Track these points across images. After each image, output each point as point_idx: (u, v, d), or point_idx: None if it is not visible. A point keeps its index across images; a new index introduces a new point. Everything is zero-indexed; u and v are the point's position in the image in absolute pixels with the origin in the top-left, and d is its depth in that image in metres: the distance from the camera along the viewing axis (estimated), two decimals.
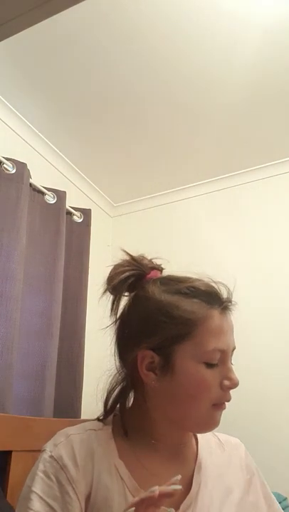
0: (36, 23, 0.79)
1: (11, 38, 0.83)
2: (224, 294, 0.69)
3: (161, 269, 0.75)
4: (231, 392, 0.67)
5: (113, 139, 1.80)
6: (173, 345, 0.65)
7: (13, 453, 1.03)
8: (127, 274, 0.70)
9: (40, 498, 0.60)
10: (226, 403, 0.67)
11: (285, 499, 1.31)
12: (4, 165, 1.44)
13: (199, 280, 0.70)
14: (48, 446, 0.66)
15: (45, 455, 0.64)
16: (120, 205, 2.29)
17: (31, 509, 0.59)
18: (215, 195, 2.04)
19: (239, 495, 0.68)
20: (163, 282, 0.69)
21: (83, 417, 1.46)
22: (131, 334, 0.69)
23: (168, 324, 0.65)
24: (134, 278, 0.71)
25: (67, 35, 1.34)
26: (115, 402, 0.71)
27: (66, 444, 0.65)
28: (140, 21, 1.29)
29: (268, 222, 1.87)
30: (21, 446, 1.05)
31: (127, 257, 0.72)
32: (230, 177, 2.01)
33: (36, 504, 0.59)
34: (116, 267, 0.72)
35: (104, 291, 0.71)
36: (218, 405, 0.65)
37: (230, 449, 0.75)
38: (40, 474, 0.62)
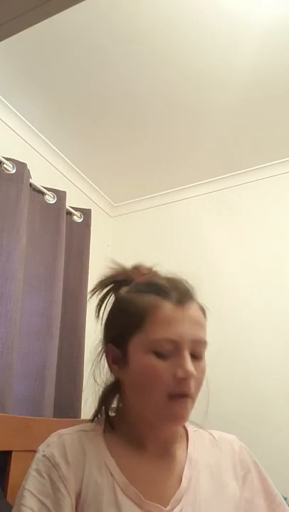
0: (36, 23, 0.79)
1: (11, 38, 0.83)
2: (181, 287, 0.69)
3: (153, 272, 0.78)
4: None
5: (113, 139, 1.80)
6: (127, 336, 0.67)
7: (13, 453, 1.03)
8: (109, 280, 0.76)
9: (33, 495, 0.61)
10: (194, 399, 0.65)
11: (286, 499, 1.31)
12: (4, 165, 1.44)
13: (159, 277, 0.73)
14: (42, 447, 0.68)
15: (39, 454, 0.67)
16: (120, 205, 2.29)
17: (24, 505, 0.60)
18: (215, 195, 2.04)
19: (233, 491, 0.68)
20: (133, 284, 0.74)
21: (83, 417, 1.46)
22: (102, 332, 0.75)
23: (121, 317, 0.70)
24: (113, 285, 0.76)
25: (67, 35, 1.34)
26: (102, 401, 0.73)
27: (58, 443, 0.67)
28: (140, 21, 1.29)
29: (268, 222, 1.87)
30: (21, 446, 1.05)
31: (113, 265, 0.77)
32: (230, 177, 2.01)
33: (29, 501, 0.61)
34: (104, 275, 0.77)
35: (93, 294, 0.78)
36: (176, 397, 0.63)
37: (224, 445, 0.74)
38: (33, 473, 0.64)
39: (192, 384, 0.63)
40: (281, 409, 1.57)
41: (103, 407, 0.73)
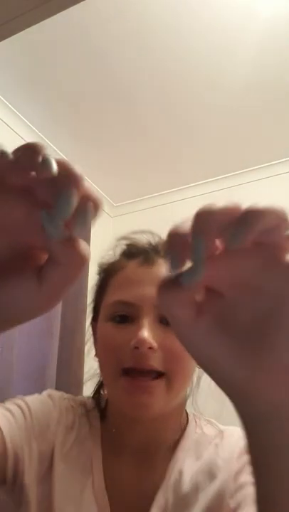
0: (36, 23, 0.79)
1: (11, 38, 0.83)
2: (152, 245, 0.59)
3: None
4: None
5: (113, 139, 1.80)
6: (98, 307, 0.59)
7: None
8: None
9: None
10: (167, 378, 0.51)
11: None
12: None
13: (134, 238, 0.63)
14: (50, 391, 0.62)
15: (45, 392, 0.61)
16: (120, 205, 2.29)
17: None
18: (215, 195, 2.04)
19: (219, 502, 0.50)
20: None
21: None
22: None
23: (95, 288, 0.62)
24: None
25: (67, 35, 1.34)
26: (96, 390, 0.65)
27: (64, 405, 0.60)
28: (139, 22, 1.29)
29: None
30: None
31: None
32: (230, 177, 2.01)
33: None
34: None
35: None
36: (130, 377, 0.50)
37: (225, 449, 0.55)
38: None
39: (156, 356, 0.49)
40: None
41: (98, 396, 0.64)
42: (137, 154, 1.90)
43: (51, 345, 1.41)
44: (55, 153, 1.86)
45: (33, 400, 0.59)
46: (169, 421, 0.57)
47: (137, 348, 0.49)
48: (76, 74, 1.49)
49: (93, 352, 0.62)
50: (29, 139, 1.74)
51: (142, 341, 0.48)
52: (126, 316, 0.53)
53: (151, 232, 0.61)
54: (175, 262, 0.26)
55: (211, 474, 0.52)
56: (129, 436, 0.56)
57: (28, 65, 1.45)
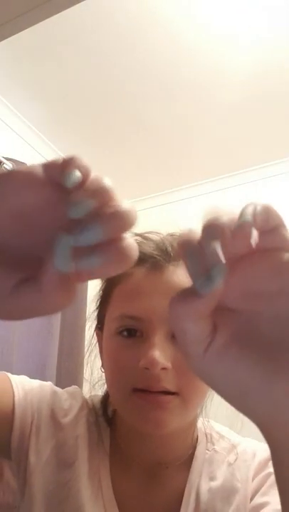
0: (36, 23, 0.79)
1: (11, 38, 0.83)
2: (162, 248, 0.51)
3: None
4: None
5: (113, 139, 1.80)
6: (103, 316, 0.54)
7: None
8: None
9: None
10: (182, 398, 0.46)
11: None
12: (4, 165, 1.44)
13: (138, 240, 0.55)
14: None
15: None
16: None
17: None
18: (215, 195, 2.04)
19: None
20: None
21: None
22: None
23: (99, 295, 0.56)
24: None
25: (67, 35, 1.34)
26: (102, 402, 0.60)
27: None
28: (140, 21, 1.29)
29: None
30: None
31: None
32: (230, 177, 2.01)
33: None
34: None
35: None
36: (142, 392, 0.45)
37: (239, 465, 0.52)
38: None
39: (169, 376, 0.45)
40: None
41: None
42: (136, 155, 1.90)
43: (51, 345, 1.41)
44: (55, 153, 1.86)
45: (59, 389, 0.58)
46: (181, 437, 0.53)
47: (147, 368, 0.44)
48: (76, 74, 1.49)
49: (93, 353, 0.60)
50: (29, 139, 1.74)
51: (154, 362, 0.43)
52: (134, 330, 0.47)
53: (157, 233, 0.54)
54: (196, 267, 0.24)
55: (228, 499, 0.49)
56: (139, 451, 0.52)
57: (29, 65, 1.45)
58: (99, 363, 0.57)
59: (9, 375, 0.55)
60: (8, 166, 1.45)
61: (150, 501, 0.50)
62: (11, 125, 1.66)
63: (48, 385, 0.57)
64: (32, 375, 1.44)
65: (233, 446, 0.54)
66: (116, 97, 1.58)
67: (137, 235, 0.54)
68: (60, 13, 0.80)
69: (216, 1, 1.23)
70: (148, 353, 0.44)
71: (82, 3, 0.79)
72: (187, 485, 0.50)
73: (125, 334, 0.47)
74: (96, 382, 0.62)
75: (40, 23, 0.81)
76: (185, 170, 2.00)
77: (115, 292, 0.50)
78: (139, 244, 0.52)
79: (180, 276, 0.47)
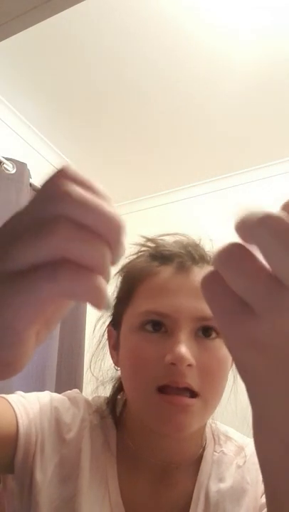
0: (36, 23, 0.79)
1: (10, 38, 0.83)
2: (188, 249, 0.53)
3: None
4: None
5: (113, 139, 1.80)
6: (121, 313, 0.53)
7: None
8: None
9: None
10: (202, 398, 0.47)
11: None
12: (4, 165, 1.44)
13: (163, 240, 0.57)
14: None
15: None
16: (120, 205, 2.28)
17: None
18: (215, 195, 2.04)
19: None
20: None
21: None
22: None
23: (118, 289, 0.55)
24: None
25: (67, 35, 1.34)
26: (110, 401, 0.59)
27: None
28: (140, 22, 1.29)
29: None
30: None
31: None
32: (231, 177, 2.01)
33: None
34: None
35: None
36: (166, 392, 0.46)
37: (248, 468, 0.53)
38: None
39: (192, 374, 0.45)
40: None
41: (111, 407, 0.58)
42: (136, 154, 1.90)
43: (51, 345, 1.41)
44: (55, 153, 1.86)
45: (59, 398, 0.56)
46: (193, 438, 0.53)
47: (173, 364, 0.44)
48: (76, 74, 1.49)
49: (103, 350, 0.59)
50: (29, 139, 1.74)
51: (181, 358, 0.44)
52: (159, 325, 0.47)
53: (183, 234, 0.56)
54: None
55: (238, 501, 0.49)
56: (150, 451, 0.52)
57: (29, 65, 1.45)
58: (108, 361, 0.56)
59: (6, 396, 0.53)
60: (8, 165, 1.45)
61: (158, 502, 0.50)
62: (11, 125, 1.66)
63: (48, 401, 0.54)
64: (32, 375, 1.45)
65: (241, 448, 0.54)
66: (116, 98, 1.58)
67: (163, 234, 0.56)
68: (60, 13, 0.80)
69: (217, 3, 1.23)
70: (175, 348, 0.44)
71: (82, 3, 0.79)
72: (196, 486, 0.50)
73: (150, 329, 0.47)
74: (106, 381, 0.61)
75: (41, 23, 0.81)
76: (185, 170, 2.00)
77: (140, 289, 0.50)
78: (166, 243, 0.54)
79: None
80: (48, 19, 0.80)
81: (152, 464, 0.52)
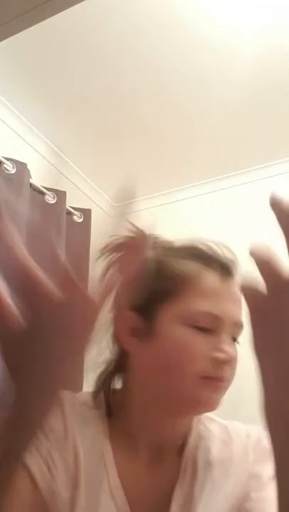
0: (36, 23, 0.79)
1: (11, 38, 0.83)
2: (226, 257, 0.59)
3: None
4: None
5: (113, 139, 1.80)
6: (157, 304, 0.56)
7: None
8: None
9: None
10: (227, 386, 0.55)
11: None
12: (4, 165, 1.44)
13: (199, 242, 0.62)
14: None
15: None
16: (120, 205, 2.29)
17: None
18: (215, 195, 2.04)
19: (232, 507, 0.54)
20: (163, 246, 0.64)
21: None
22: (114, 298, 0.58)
23: (154, 280, 0.57)
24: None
25: (67, 35, 1.34)
26: (101, 384, 0.62)
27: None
28: (140, 22, 1.29)
29: (268, 222, 1.87)
30: None
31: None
32: (231, 177, 2.01)
33: None
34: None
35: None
36: (209, 380, 0.53)
37: (236, 446, 0.59)
38: None
39: (229, 368, 0.54)
40: None
41: (101, 387, 0.62)
42: (137, 154, 1.90)
43: None
44: (55, 153, 1.86)
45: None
46: (184, 419, 0.60)
47: (223, 361, 0.53)
48: (76, 74, 1.49)
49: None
50: (29, 139, 1.74)
51: (231, 356, 0.54)
52: (209, 325, 0.55)
53: (224, 245, 0.61)
54: None
55: (226, 471, 0.56)
56: (148, 433, 0.57)
57: (29, 65, 1.45)
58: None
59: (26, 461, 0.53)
60: (8, 165, 1.45)
61: (154, 479, 0.55)
62: (11, 125, 1.66)
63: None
64: None
65: (224, 427, 0.62)
66: (116, 98, 1.58)
67: (207, 240, 0.62)
68: (60, 13, 0.80)
69: (217, 2, 1.23)
70: (224, 347, 0.53)
71: (82, 3, 0.79)
72: (183, 456, 0.57)
73: (203, 326, 0.54)
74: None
75: (40, 23, 0.81)
76: (185, 170, 2.00)
77: (190, 288, 0.55)
78: (213, 248, 0.60)
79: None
80: (48, 19, 0.80)
81: (148, 444, 0.57)
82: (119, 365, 0.61)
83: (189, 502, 0.53)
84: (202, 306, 0.54)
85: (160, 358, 0.55)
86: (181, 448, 0.59)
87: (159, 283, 0.57)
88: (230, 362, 0.54)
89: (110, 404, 0.59)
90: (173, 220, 2.10)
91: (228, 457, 0.57)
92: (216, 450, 0.58)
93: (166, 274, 0.57)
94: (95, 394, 0.61)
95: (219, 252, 0.60)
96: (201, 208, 2.05)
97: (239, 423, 0.63)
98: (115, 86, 1.53)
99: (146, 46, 1.37)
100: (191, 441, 0.59)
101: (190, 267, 0.57)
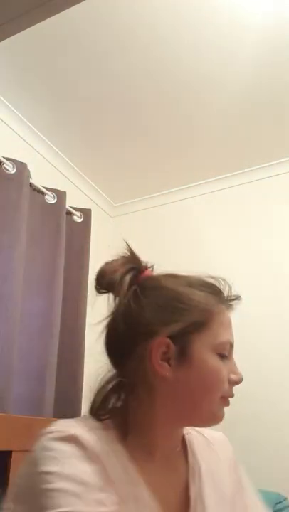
0: (36, 23, 0.79)
1: (11, 38, 0.83)
2: (229, 292, 0.70)
3: (153, 271, 0.73)
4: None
5: (113, 139, 1.80)
6: (191, 333, 0.64)
7: (13, 453, 1.03)
8: (128, 266, 0.68)
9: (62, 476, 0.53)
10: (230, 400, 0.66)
11: (286, 499, 1.32)
12: (4, 165, 1.44)
13: (204, 276, 0.71)
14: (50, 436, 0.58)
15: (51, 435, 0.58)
16: (120, 205, 2.29)
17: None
18: (215, 195, 2.04)
19: (232, 498, 0.67)
20: (169, 276, 0.70)
21: None
22: (142, 324, 0.65)
23: (188, 311, 0.65)
24: (133, 272, 0.69)
25: (67, 35, 1.34)
26: (104, 401, 0.65)
27: (75, 441, 0.58)
28: (140, 23, 1.29)
29: (269, 221, 1.87)
30: (21, 446, 1.05)
31: (124, 251, 0.71)
32: (230, 177, 2.01)
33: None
34: (111, 262, 0.70)
35: (99, 290, 0.69)
36: (225, 399, 0.65)
37: (219, 448, 0.73)
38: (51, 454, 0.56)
39: None
40: (280, 409, 1.57)
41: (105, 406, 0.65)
42: (136, 154, 1.90)
43: (51, 345, 1.41)
44: (55, 153, 1.86)
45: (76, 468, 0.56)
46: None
47: (237, 382, 0.65)
48: (76, 74, 1.49)
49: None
50: (30, 139, 1.74)
51: (241, 376, 0.66)
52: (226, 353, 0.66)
53: (223, 279, 0.72)
54: None
55: (220, 470, 0.69)
56: (161, 442, 0.66)
57: (29, 66, 1.45)
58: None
59: None
60: (8, 165, 1.45)
61: (170, 482, 0.65)
62: (11, 125, 1.66)
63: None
64: (32, 375, 1.45)
65: (199, 432, 0.74)
66: (116, 98, 1.58)
67: (213, 276, 0.71)
68: (60, 14, 0.80)
69: (216, 2, 1.23)
70: (238, 371, 0.66)
71: (82, 3, 0.79)
72: (189, 460, 0.68)
73: (225, 354, 0.65)
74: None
75: (40, 23, 0.81)
76: (184, 170, 2.00)
77: (215, 321, 0.66)
78: (222, 283, 0.70)
79: None
80: (48, 19, 0.80)
81: (162, 451, 0.65)
82: (120, 386, 0.66)
83: (200, 496, 0.64)
84: (225, 336, 0.65)
85: (195, 381, 0.64)
86: (183, 450, 0.69)
87: (194, 314, 0.65)
88: (241, 381, 0.66)
89: (127, 421, 0.65)
90: (173, 220, 2.11)
91: (217, 461, 0.70)
92: (206, 458, 0.70)
93: (197, 308, 0.65)
94: (105, 414, 0.65)
95: (224, 286, 0.71)
96: (201, 208, 2.05)
97: (205, 429, 0.76)
98: (115, 86, 1.53)
99: (147, 47, 1.37)
100: (187, 445, 0.71)
101: (213, 302, 0.67)
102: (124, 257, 0.71)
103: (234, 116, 1.66)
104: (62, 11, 0.78)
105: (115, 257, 0.71)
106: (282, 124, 1.70)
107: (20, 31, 0.81)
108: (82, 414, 1.51)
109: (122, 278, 0.67)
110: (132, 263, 0.70)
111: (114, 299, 0.68)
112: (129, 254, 0.71)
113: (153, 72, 1.48)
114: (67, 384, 1.48)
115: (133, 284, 0.68)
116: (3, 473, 1.02)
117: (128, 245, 0.71)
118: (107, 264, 0.70)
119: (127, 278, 0.68)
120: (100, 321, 0.69)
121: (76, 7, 0.81)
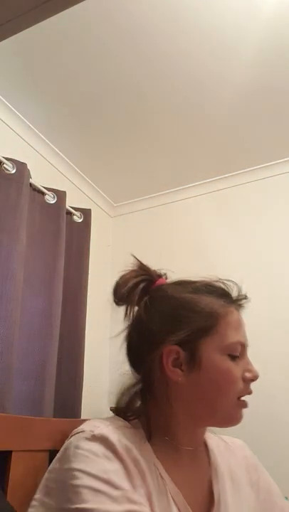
0: (36, 23, 0.79)
1: (11, 38, 0.83)
2: (237, 292, 0.73)
3: (166, 278, 0.77)
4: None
5: (113, 139, 1.80)
6: (198, 338, 0.66)
7: (13, 453, 1.03)
8: (139, 279, 0.72)
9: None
10: (248, 401, 0.68)
11: (286, 498, 1.31)
12: (4, 165, 1.44)
13: (212, 280, 0.73)
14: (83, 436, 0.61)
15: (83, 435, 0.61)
16: (120, 205, 2.29)
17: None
18: (215, 195, 2.04)
19: (249, 497, 0.69)
20: (177, 283, 0.73)
21: (83, 417, 1.46)
22: (152, 333, 0.68)
23: (193, 318, 0.67)
24: (144, 283, 0.73)
25: (68, 35, 1.34)
26: (129, 403, 0.69)
27: (104, 440, 0.61)
28: (141, 21, 1.29)
29: (269, 222, 1.87)
30: (21, 446, 1.05)
31: (134, 263, 0.75)
32: (231, 177, 2.01)
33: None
34: (124, 275, 0.73)
35: (117, 302, 0.73)
36: (242, 401, 0.67)
37: (237, 451, 0.76)
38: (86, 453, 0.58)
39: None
40: (286, 409, 1.56)
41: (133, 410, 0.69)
42: (136, 154, 1.90)
43: (51, 345, 1.41)
44: (55, 153, 1.86)
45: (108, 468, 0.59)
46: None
47: (253, 380, 0.67)
48: (76, 74, 1.49)
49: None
50: (30, 139, 1.74)
51: (256, 373, 0.67)
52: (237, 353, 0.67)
53: (230, 280, 0.73)
54: None
55: (238, 471, 0.72)
56: (186, 441, 0.68)
57: (29, 65, 1.45)
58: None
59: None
60: (8, 165, 1.45)
61: (196, 478, 0.67)
62: (12, 125, 1.66)
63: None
64: (32, 375, 1.45)
65: (219, 437, 0.78)
66: (116, 98, 1.58)
67: (220, 279, 0.73)
68: (60, 13, 0.79)
69: (217, 2, 1.23)
70: (253, 369, 0.68)
71: (82, 2, 0.79)
72: (211, 463, 0.71)
73: (236, 354, 0.66)
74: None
75: (40, 23, 0.81)
76: (185, 170, 2.00)
77: (222, 323, 0.67)
78: (231, 286, 0.72)
79: None
80: (49, 19, 0.80)
81: (186, 451, 0.68)
82: (146, 393, 0.69)
83: (223, 495, 0.66)
84: (234, 337, 0.67)
85: (206, 383, 0.65)
86: (205, 450, 0.73)
87: (198, 321, 0.67)
88: (256, 378, 0.67)
89: (150, 423, 0.67)
90: (173, 220, 2.11)
91: (234, 468, 0.72)
92: (225, 459, 0.73)
93: (203, 314, 0.67)
94: (131, 416, 0.68)
95: (231, 288, 0.72)
96: (201, 208, 2.05)
97: (224, 435, 0.79)
98: (115, 86, 1.53)
99: (147, 47, 1.37)
100: (210, 449, 0.74)
101: (217, 304, 0.68)
102: (133, 270, 0.74)
103: (235, 116, 1.66)
104: (62, 10, 0.78)
105: (128, 269, 0.74)
106: (284, 124, 1.70)
107: (21, 31, 0.81)
108: (82, 415, 1.52)
109: (133, 290, 0.71)
110: (143, 275, 0.73)
111: (130, 311, 0.73)
112: (138, 266, 0.74)
113: (154, 74, 1.47)
114: (67, 384, 1.48)
115: (145, 295, 0.73)
116: (3, 473, 1.02)
117: (136, 259, 0.75)
118: (121, 277, 0.74)
119: (138, 290, 0.72)
120: (119, 333, 0.74)
121: (77, 7, 0.81)
